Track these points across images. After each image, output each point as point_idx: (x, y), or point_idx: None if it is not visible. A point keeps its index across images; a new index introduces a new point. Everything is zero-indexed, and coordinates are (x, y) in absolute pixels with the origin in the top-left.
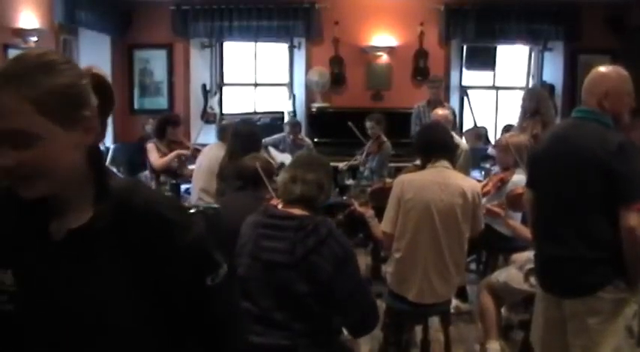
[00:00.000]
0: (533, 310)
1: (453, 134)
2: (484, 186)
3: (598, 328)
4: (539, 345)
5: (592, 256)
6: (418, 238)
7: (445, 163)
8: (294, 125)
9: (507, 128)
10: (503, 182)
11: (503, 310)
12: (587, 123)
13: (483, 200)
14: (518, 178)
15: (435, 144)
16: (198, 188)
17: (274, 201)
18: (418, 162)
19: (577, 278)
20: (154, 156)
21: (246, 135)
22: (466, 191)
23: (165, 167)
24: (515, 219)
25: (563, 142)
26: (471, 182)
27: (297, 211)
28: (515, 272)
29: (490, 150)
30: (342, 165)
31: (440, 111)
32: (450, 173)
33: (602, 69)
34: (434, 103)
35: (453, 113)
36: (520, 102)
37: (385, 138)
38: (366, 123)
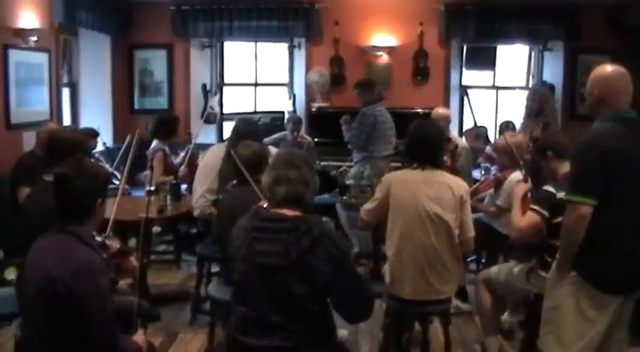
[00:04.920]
0: (568, 327)
1: (452, 133)
2: (479, 185)
3: None
4: None
5: None
6: (408, 234)
7: (431, 166)
8: (296, 122)
9: (505, 125)
10: (499, 181)
11: (506, 314)
12: (637, 122)
13: (485, 199)
14: (516, 176)
15: (426, 154)
16: (205, 188)
17: (262, 203)
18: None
19: None
20: (157, 172)
21: (245, 132)
22: (452, 187)
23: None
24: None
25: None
26: (459, 181)
27: (287, 212)
28: (517, 271)
29: (488, 149)
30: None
31: (440, 110)
32: (437, 172)
33: (618, 67)
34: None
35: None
36: (524, 102)
37: None
38: None
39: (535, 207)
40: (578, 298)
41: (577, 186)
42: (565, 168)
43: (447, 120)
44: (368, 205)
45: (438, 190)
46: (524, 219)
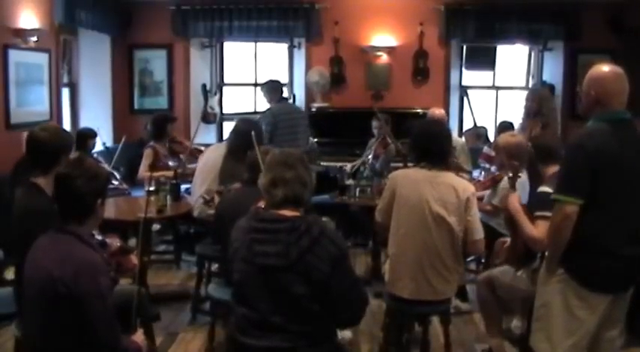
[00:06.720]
0: (560, 326)
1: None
2: (475, 184)
3: None
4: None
5: None
6: (411, 234)
7: (437, 165)
8: None
9: (504, 125)
10: (496, 181)
11: (515, 320)
12: (631, 123)
13: (484, 196)
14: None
15: (432, 153)
16: (204, 188)
17: (261, 203)
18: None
19: None
20: (142, 167)
21: (245, 132)
22: (458, 189)
23: (143, 181)
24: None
25: (635, 146)
26: (465, 183)
27: (287, 212)
28: (522, 273)
29: (486, 149)
30: (349, 166)
31: (437, 111)
32: (443, 173)
33: (614, 68)
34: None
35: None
36: (523, 102)
37: (390, 140)
38: (373, 122)
39: (540, 213)
40: (566, 296)
41: (564, 186)
42: (554, 168)
43: (443, 120)
44: (379, 205)
45: (442, 191)
46: (539, 230)
